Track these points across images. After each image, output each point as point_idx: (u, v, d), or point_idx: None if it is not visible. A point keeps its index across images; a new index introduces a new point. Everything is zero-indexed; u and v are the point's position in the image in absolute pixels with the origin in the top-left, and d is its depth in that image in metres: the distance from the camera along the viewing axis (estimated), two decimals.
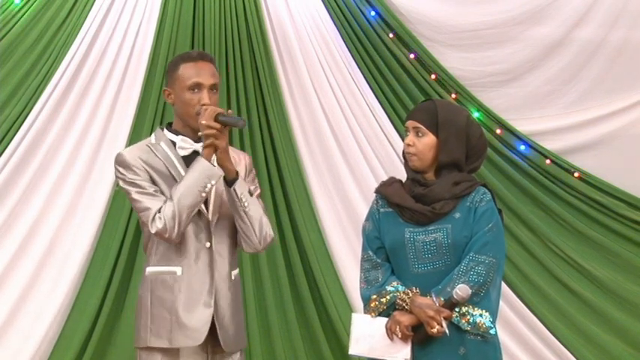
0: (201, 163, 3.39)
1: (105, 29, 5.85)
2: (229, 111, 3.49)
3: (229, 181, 3.45)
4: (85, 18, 5.81)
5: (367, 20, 6.03)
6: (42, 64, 5.78)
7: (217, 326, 3.49)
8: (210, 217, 3.52)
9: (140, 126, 5.81)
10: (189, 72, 3.50)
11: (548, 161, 6.06)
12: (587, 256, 6.06)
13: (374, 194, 3.68)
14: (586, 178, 6.06)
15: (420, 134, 3.55)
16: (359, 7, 6.02)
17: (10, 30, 5.74)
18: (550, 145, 6.08)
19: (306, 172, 5.98)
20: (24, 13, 5.77)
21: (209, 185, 3.39)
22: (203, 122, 3.37)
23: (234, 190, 3.44)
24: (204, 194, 3.40)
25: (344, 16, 6.03)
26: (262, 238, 3.54)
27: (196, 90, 3.48)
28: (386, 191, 3.61)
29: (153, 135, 3.59)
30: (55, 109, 5.76)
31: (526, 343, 5.91)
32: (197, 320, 3.46)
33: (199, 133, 3.41)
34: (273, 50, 5.99)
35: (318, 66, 6.01)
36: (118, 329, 5.69)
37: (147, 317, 3.48)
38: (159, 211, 3.38)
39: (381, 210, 3.62)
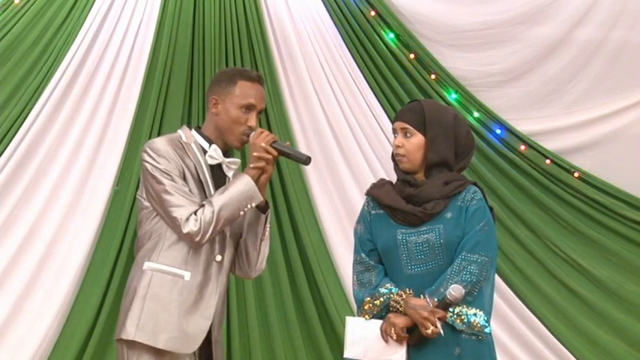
0: (247, 182, 3.39)
1: (105, 29, 5.86)
2: (287, 143, 3.53)
3: (261, 207, 3.48)
4: (85, 18, 5.82)
5: (367, 20, 6.03)
6: (42, 64, 5.79)
7: (212, 339, 3.48)
8: (225, 231, 3.51)
9: (140, 126, 5.81)
10: (247, 91, 3.50)
11: (548, 161, 6.07)
12: (587, 256, 6.06)
13: (365, 196, 3.69)
14: (586, 178, 6.07)
15: (408, 135, 3.56)
16: (359, 7, 6.03)
17: (10, 30, 5.75)
18: (550, 145, 6.08)
19: (306, 172, 5.98)
20: (24, 13, 5.77)
21: (249, 206, 3.40)
22: (262, 145, 3.39)
23: (267, 217, 3.49)
24: (242, 212, 3.40)
25: (344, 16, 6.03)
26: (259, 269, 3.60)
27: (247, 110, 3.49)
28: (377, 193, 3.62)
29: (181, 133, 3.56)
30: (55, 109, 5.77)
31: (526, 343, 5.91)
32: (196, 329, 3.42)
33: (255, 154, 3.40)
34: (273, 50, 5.99)
35: (318, 66, 6.01)
36: None
37: (138, 311, 3.39)
38: (195, 213, 3.35)
39: (373, 212, 3.62)
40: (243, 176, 3.40)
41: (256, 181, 3.42)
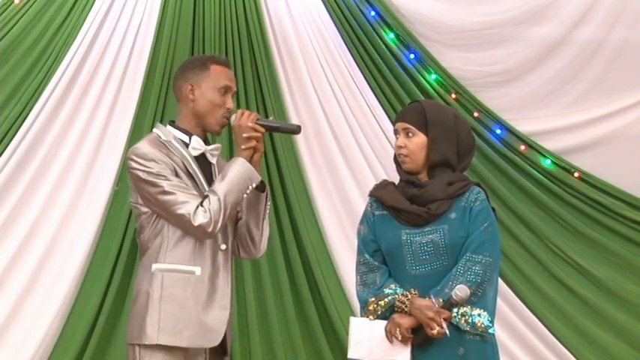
0: (243, 164, 3.41)
1: (105, 29, 5.86)
2: (271, 118, 3.53)
3: (258, 186, 3.49)
4: (85, 18, 5.83)
5: (367, 20, 6.03)
6: (42, 64, 5.79)
7: (227, 328, 3.48)
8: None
9: (140, 125, 5.80)
10: (221, 74, 3.53)
11: (547, 161, 6.07)
12: (587, 256, 6.06)
13: (368, 197, 3.68)
14: (586, 178, 6.07)
15: (410, 135, 3.56)
16: (359, 7, 6.03)
17: (10, 30, 5.75)
18: (550, 145, 6.08)
19: (306, 172, 5.98)
20: (24, 13, 5.78)
21: (250, 187, 3.42)
22: (249, 125, 3.41)
23: (266, 195, 3.51)
24: (245, 195, 3.42)
25: (344, 16, 6.04)
26: (263, 248, 3.61)
27: (224, 92, 3.52)
28: (380, 194, 3.61)
29: (158, 131, 3.54)
30: (55, 109, 5.77)
31: (526, 343, 5.91)
32: (217, 321, 3.43)
33: (245, 135, 3.41)
34: (273, 50, 6.00)
35: (318, 66, 6.01)
36: (118, 329, 5.68)
37: (156, 314, 3.38)
38: (201, 204, 3.35)
39: (376, 213, 3.62)
40: (238, 159, 3.41)
41: (249, 161, 3.43)
